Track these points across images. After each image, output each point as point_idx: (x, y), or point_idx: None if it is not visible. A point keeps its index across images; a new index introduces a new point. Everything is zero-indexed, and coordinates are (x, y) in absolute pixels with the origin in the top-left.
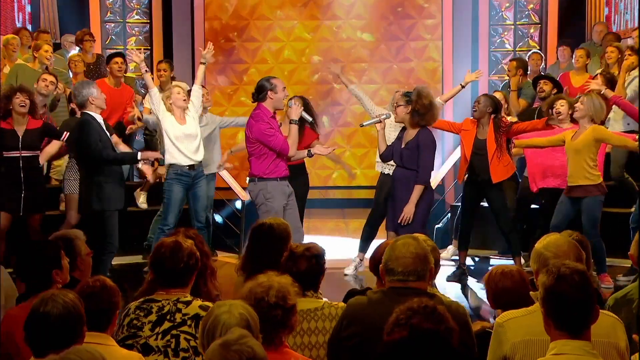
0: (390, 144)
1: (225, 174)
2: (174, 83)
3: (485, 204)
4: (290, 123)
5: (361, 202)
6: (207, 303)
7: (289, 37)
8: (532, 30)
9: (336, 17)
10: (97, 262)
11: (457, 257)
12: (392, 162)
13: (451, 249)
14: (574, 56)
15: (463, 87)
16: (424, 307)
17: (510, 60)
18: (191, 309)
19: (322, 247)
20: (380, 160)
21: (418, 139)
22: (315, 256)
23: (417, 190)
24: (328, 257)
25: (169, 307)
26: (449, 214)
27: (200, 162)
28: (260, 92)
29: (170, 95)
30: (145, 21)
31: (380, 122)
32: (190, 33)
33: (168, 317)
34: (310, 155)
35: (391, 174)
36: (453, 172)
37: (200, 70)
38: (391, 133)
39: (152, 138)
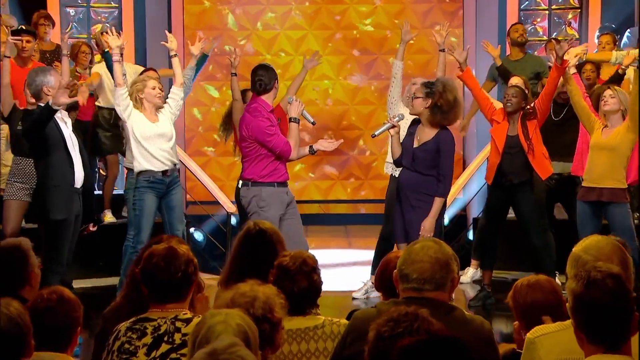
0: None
1: (207, 182)
2: (140, 74)
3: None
4: (290, 121)
5: (368, 218)
6: None
7: (283, 25)
8: (569, 16)
9: (339, 0)
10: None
11: (479, 279)
12: None
13: (470, 270)
14: (597, 43)
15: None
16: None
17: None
18: (192, 327)
19: (313, 255)
20: (392, 163)
21: (439, 142)
22: (313, 270)
23: (438, 203)
24: (330, 283)
25: (166, 326)
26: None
27: (175, 165)
28: (267, 83)
29: (143, 89)
30: (114, 5)
31: (394, 126)
32: (167, 20)
33: (166, 338)
34: (312, 152)
35: (398, 178)
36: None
37: (176, 65)
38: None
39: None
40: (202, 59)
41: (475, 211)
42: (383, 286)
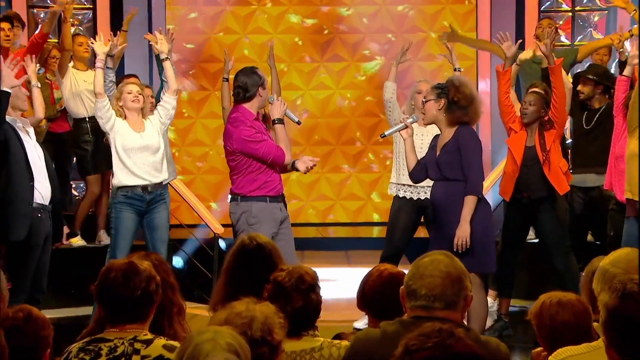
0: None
1: (192, 201)
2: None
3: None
4: (274, 123)
5: (370, 243)
6: (173, 342)
7: (277, 28)
8: (595, 19)
9: (341, 2)
10: None
11: (496, 309)
12: (423, 184)
13: (488, 301)
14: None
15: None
16: (439, 331)
17: None
18: (153, 349)
19: (313, 270)
20: (401, 181)
21: (458, 138)
22: (311, 287)
23: (469, 202)
24: (328, 313)
25: (123, 347)
26: None
27: (161, 183)
28: (248, 90)
29: (120, 96)
30: (87, 6)
31: (407, 127)
32: (147, 22)
33: None
34: (296, 169)
35: (428, 196)
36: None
37: (168, 69)
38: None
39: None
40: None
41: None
42: (365, 303)
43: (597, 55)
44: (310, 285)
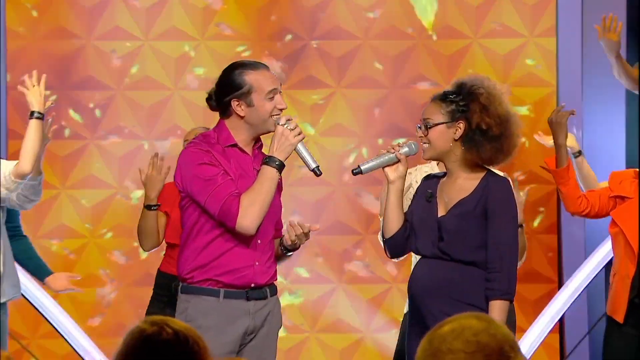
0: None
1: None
2: None
3: None
4: (264, 163)
5: None
6: None
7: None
8: None
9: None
10: None
11: None
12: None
13: None
14: None
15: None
16: None
17: None
18: None
19: None
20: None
21: (489, 197)
22: None
23: (500, 311)
24: None
25: None
26: None
27: None
28: (223, 94)
29: None
30: None
31: (398, 161)
32: None
33: None
34: (286, 251)
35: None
36: None
37: (31, 132)
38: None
39: None
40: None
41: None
42: None
43: None
44: None
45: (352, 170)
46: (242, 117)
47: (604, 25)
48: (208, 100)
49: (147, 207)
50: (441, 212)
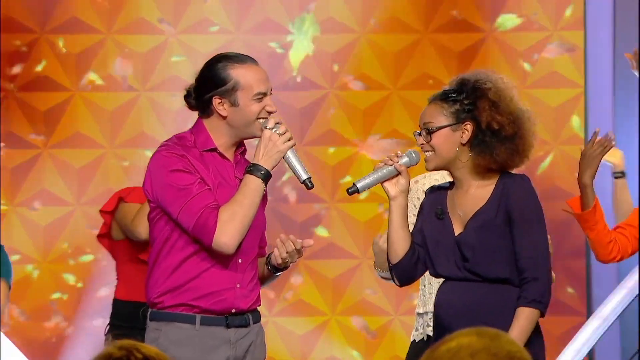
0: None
1: None
2: None
3: None
4: (248, 172)
5: None
6: None
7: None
8: None
9: None
10: None
11: None
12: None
13: None
14: None
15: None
16: None
17: None
18: None
19: None
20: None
21: (509, 200)
22: None
23: (525, 319)
24: None
25: None
26: None
27: None
28: (204, 90)
29: None
30: None
31: (398, 173)
32: None
33: None
34: (274, 271)
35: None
36: None
37: None
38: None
39: None
40: None
41: None
42: None
43: None
44: None
45: (348, 190)
46: (223, 118)
47: (636, 58)
48: (186, 97)
49: None
50: (458, 229)
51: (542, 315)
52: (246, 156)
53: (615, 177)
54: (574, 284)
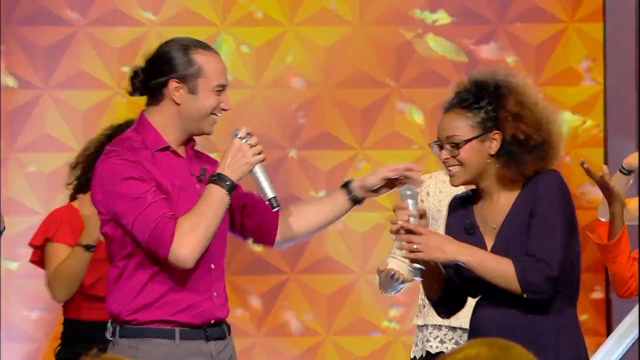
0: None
1: None
2: None
3: None
4: (211, 181)
5: None
6: None
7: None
8: None
9: None
10: None
11: None
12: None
13: None
14: None
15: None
16: None
17: None
18: None
19: None
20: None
21: (535, 192)
22: None
23: (502, 269)
24: None
25: None
26: None
27: None
28: (159, 72)
29: None
30: None
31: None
32: None
33: None
34: None
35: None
36: None
37: None
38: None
39: None
40: None
41: None
42: None
43: None
44: None
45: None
46: (177, 105)
47: None
48: (133, 78)
49: (86, 247)
50: (490, 242)
51: (522, 294)
52: (196, 147)
53: (621, 172)
54: (593, 301)
